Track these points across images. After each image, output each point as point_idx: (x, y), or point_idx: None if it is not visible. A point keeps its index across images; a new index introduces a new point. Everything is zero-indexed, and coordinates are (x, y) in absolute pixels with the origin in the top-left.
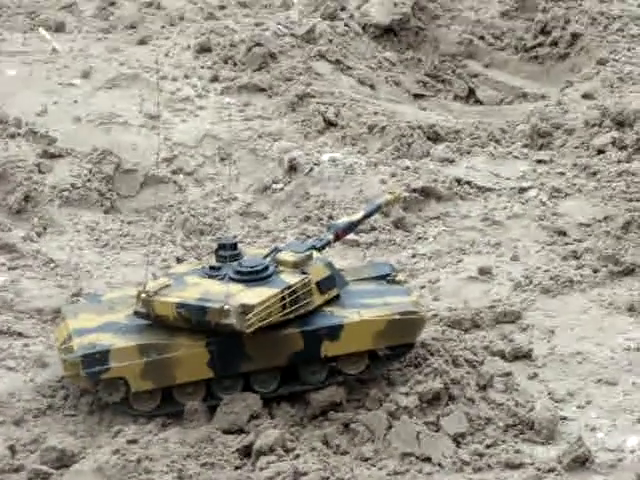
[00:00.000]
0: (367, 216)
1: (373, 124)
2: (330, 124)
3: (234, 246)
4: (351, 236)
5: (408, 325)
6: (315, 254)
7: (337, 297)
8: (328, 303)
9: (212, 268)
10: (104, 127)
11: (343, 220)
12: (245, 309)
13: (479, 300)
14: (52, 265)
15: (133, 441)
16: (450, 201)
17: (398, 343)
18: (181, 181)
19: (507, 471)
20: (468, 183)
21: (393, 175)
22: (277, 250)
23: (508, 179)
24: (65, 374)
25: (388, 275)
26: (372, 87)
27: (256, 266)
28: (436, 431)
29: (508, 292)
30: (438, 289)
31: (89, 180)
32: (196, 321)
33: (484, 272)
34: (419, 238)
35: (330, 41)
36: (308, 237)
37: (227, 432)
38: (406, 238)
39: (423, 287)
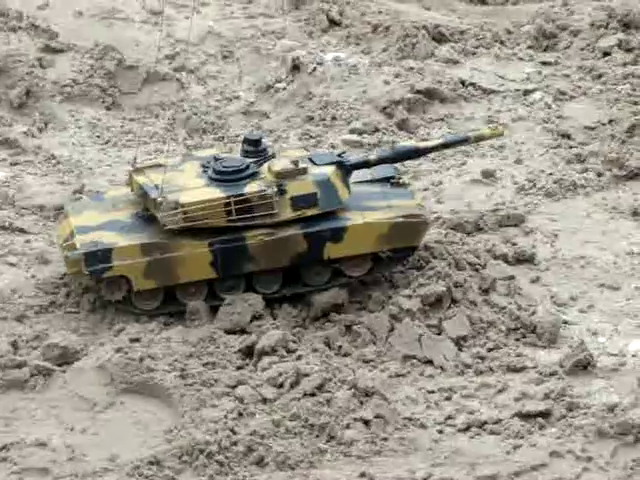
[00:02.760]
0: (445, 146)
1: (377, 24)
2: (334, 23)
3: (257, 142)
4: (354, 136)
5: (411, 228)
6: (326, 168)
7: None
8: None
9: (216, 160)
10: (106, 22)
11: (408, 143)
12: (175, 206)
13: (482, 203)
14: (54, 161)
15: (136, 339)
16: (454, 103)
17: (401, 246)
18: (183, 79)
19: (509, 374)
20: (472, 85)
21: (397, 76)
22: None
23: (513, 81)
24: (68, 271)
25: (392, 177)
26: None
27: (229, 167)
28: (438, 334)
29: (512, 195)
30: (441, 192)
31: (91, 76)
32: (145, 205)
33: (487, 175)
34: (423, 140)
35: None
36: (373, 147)
37: (229, 332)
38: (410, 140)
39: (426, 189)
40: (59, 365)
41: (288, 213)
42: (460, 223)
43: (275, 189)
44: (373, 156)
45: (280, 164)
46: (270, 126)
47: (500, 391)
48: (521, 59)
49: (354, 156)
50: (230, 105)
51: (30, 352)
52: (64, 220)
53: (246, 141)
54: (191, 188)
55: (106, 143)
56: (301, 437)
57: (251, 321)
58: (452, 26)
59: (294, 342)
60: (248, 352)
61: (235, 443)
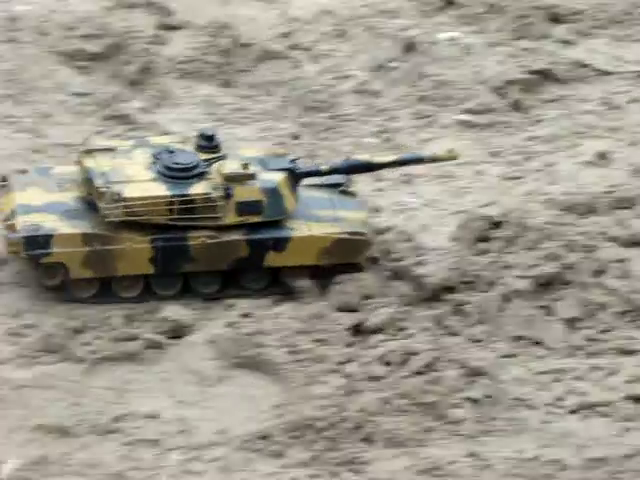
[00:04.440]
0: (398, 164)
1: (492, 3)
2: (449, 2)
3: (211, 138)
4: (468, 116)
5: (354, 246)
6: (276, 175)
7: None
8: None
9: (168, 152)
10: (221, 0)
11: (362, 157)
12: (117, 198)
13: (595, 185)
14: None
15: (246, 315)
16: (568, 84)
17: (342, 262)
18: (297, 57)
19: (620, 357)
20: (588, 66)
21: (511, 56)
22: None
23: (629, 62)
24: (7, 251)
25: (341, 184)
26: None
27: (177, 164)
28: (548, 315)
29: (626, 178)
30: (554, 173)
31: (206, 53)
32: (89, 190)
33: (602, 157)
34: (536, 121)
35: None
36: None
37: (339, 310)
38: (524, 120)
39: (540, 170)
40: (171, 338)
41: (232, 218)
42: (573, 205)
43: (221, 193)
44: (325, 166)
45: (229, 167)
46: (382, 105)
47: (611, 373)
48: (638, 40)
49: (306, 165)
50: (343, 84)
51: (143, 325)
52: (8, 194)
53: (201, 136)
54: (137, 181)
55: (219, 120)
56: (410, 415)
57: (361, 300)
58: (568, 6)
59: (403, 320)
60: (357, 330)
61: (344, 420)
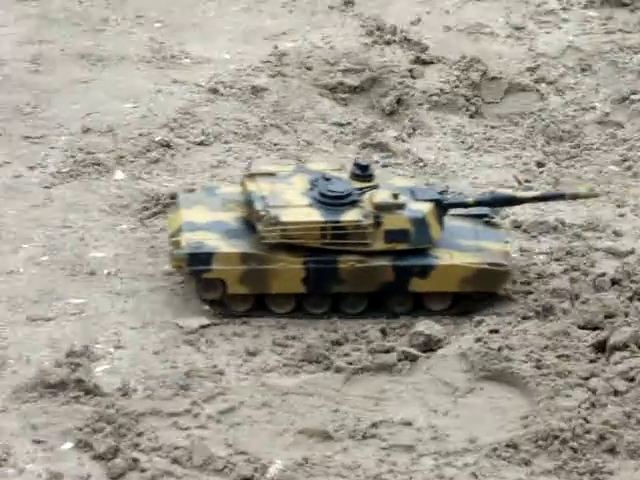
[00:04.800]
0: (541, 199)
1: None
2: None
3: (365, 168)
4: None
5: (495, 276)
6: (424, 206)
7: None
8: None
9: (324, 179)
10: (472, 36)
11: (506, 192)
12: (275, 222)
13: None
14: (421, 164)
15: (494, 331)
16: None
17: (481, 290)
18: (543, 89)
19: None
20: None
21: None
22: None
23: None
24: (172, 265)
25: (486, 215)
26: None
27: (333, 192)
28: None
29: None
30: None
31: (457, 86)
32: (249, 210)
33: None
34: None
35: None
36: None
37: (582, 327)
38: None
39: None
40: (424, 351)
41: (380, 245)
42: None
43: (371, 221)
44: (471, 199)
45: (380, 196)
46: (624, 136)
47: None
48: None
49: (453, 196)
50: (586, 115)
51: (397, 339)
52: (176, 211)
53: (356, 165)
54: (293, 206)
55: (469, 148)
56: None
57: (605, 318)
58: None
59: None
60: (600, 347)
61: (588, 431)
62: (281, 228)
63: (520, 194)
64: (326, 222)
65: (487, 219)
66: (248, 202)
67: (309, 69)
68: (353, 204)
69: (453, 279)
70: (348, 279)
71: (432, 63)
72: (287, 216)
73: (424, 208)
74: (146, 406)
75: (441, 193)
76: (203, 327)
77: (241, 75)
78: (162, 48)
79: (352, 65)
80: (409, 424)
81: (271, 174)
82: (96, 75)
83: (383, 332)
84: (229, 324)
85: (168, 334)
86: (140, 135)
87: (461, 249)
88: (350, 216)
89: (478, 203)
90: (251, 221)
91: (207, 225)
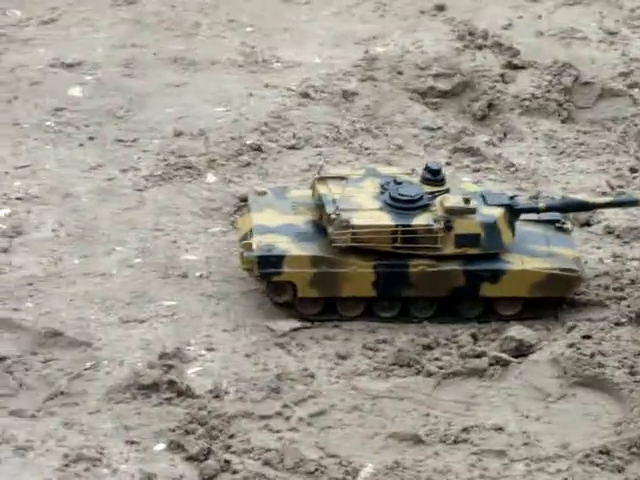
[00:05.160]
0: (614, 205)
1: None
2: None
3: (437, 172)
4: None
5: (566, 282)
6: (495, 210)
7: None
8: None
9: (395, 183)
10: (565, 41)
11: (578, 197)
12: (346, 225)
13: None
14: (512, 169)
15: (587, 336)
16: None
17: (552, 296)
18: (636, 94)
19: None
20: None
21: None
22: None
23: None
24: (242, 267)
25: (557, 221)
26: None
27: (404, 196)
28: None
29: None
30: None
31: (548, 91)
32: (320, 214)
33: None
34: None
35: None
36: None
37: None
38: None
39: None
40: (515, 357)
41: (450, 249)
42: None
43: (442, 225)
44: (542, 204)
45: (452, 200)
46: None
47: None
48: None
49: (524, 201)
50: None
51: (488, 344)
52: (246, 214)
53: (427, 169)
54: (365, 209)
55: (561, 153)
56: None
57: None
58: None
59: None
60: None
61: None
62: (352, 232)
63: (592, 200)
64: (397, 226)
65: (559, 225)
66: (319, 205)
67: (400, 73)
68: (424, 208)
69: (524, 284)
70: (418, 283)
71: (524, 68)
72: (358, 220)
73: (495, 213)
74: (238, 408)
75: (512, 198)
76: (294, 330)
77: (332, 79)
78: (253, 52)
79: (443, 70)
80: (500, 429)
81: (342, 178)
82: (188, 79)
83: (474, 337)
84: (320, 327)
85: (259, 337)
86: (231, 139)
87: (532, 254)
88: (421, 220)
89: (549, 208)
90: (322, 224)
91: (278, 228)
